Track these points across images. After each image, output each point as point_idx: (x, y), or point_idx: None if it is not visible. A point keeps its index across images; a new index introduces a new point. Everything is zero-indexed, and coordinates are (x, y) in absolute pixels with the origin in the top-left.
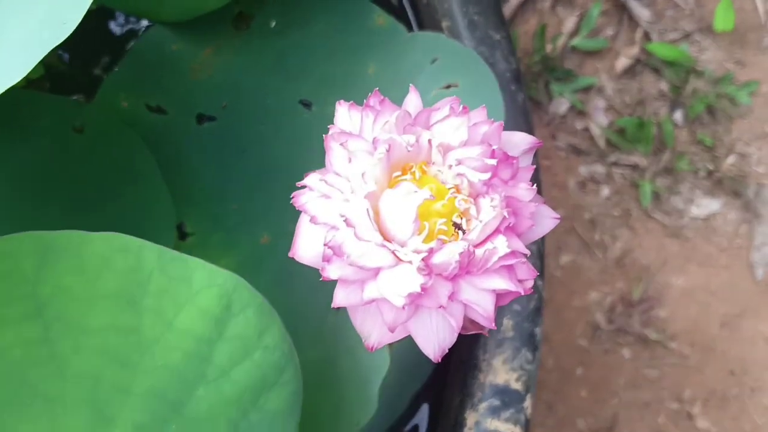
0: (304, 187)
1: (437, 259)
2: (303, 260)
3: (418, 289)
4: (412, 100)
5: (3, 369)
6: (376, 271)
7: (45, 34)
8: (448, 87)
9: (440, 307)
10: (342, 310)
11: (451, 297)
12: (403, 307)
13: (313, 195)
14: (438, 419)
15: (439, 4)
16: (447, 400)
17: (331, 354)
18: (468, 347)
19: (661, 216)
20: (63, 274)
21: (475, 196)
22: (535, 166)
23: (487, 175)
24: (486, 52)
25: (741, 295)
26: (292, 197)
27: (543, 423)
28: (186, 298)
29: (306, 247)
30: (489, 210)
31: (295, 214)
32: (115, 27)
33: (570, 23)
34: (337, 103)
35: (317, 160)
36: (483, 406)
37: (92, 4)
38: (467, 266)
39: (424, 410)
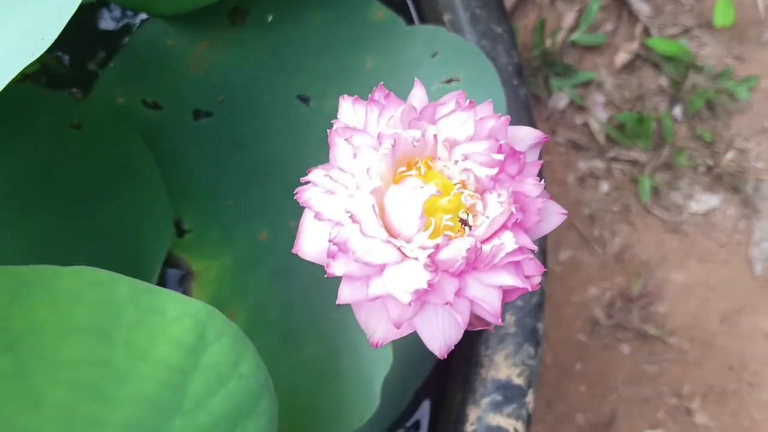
0: (307, 182)
1: (444, 255)
2: (307, 256)
3: (425, 286)
4: (417, 95)
5: None
6: (382, 268)
7: (27, 44)
8: (450, 81)
9: (447, 303)
10: (343, 306)
11: (458, 293)
12: (409, 304)
13: (318, 191)
14: (440, 415)
15: None
16: (449, 396)
17: (332, 350)
18: (470, 343)
19: (660, 211)
20: (35, 308)
21: (481, 191)
22: (542, 162)
23: (494, 171)
24: (488, 46)
25: (740, 290)
26: (296, 193)
27: (542, 419)
28: (159, 329)
29: (310, 243)
30: (496, 206)
31: (293, 209)
32: (111, 21)
33: (569, 18)
34: (340, 97)
35: (314, 155)
36: (485, 401)
37: None
38: (474, 262)
39: (426, 406)
